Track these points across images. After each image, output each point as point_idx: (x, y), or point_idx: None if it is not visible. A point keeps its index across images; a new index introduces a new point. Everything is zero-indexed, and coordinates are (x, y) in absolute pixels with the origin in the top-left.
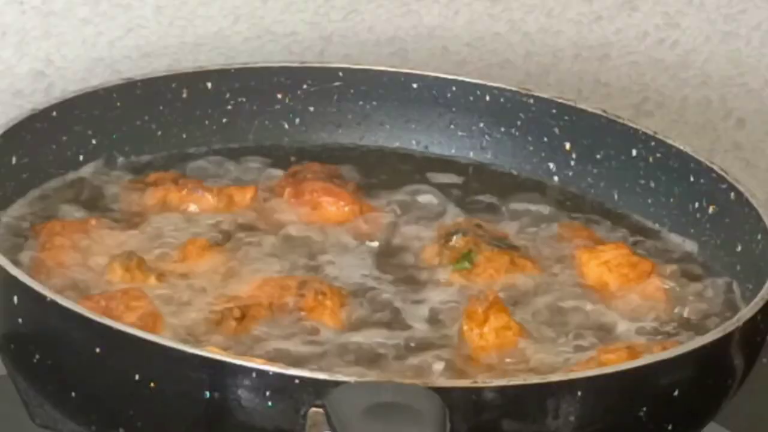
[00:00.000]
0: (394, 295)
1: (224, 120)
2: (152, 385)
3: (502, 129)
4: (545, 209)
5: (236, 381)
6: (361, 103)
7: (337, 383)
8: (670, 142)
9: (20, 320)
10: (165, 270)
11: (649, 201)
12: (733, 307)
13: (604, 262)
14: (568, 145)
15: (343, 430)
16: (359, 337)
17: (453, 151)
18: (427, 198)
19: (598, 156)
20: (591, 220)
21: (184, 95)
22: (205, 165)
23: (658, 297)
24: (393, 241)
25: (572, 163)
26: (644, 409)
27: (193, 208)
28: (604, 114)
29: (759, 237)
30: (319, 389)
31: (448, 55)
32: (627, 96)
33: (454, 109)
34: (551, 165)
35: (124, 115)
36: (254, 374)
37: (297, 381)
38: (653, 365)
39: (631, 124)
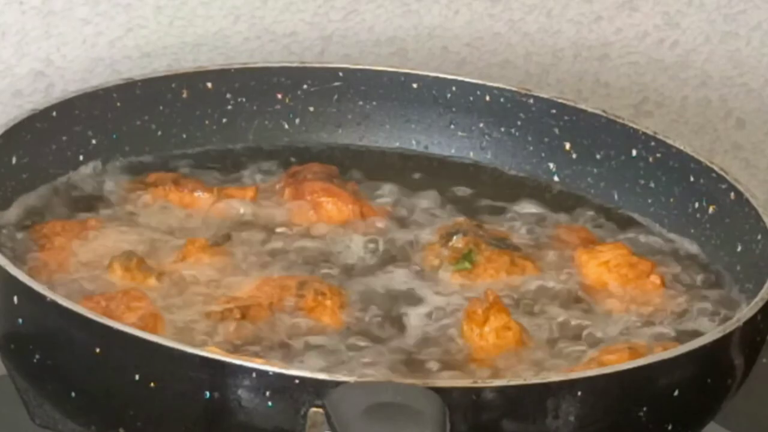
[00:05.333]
0: (394, 294)
1: (224, 120)
2: (152, 385)
3: (502, 129)
4: (545, 209)
5: (236, 381)
6: (361, 103)
7: (337, 383)
8: (670, 142)
9: (20, 320)
10: (165, 270)
11: (649, 201)
12: (733, 307)
13: (603, 263)
14: (568, 145)
15: (343, 430)
16: (359, 337)
17: (453, 151)
18: (428, 198)
19: (598, 156)
20: (591, 220)
21: (184, 95)
22: (204, 165)
23: (658, 297)
24: (393, 242)
25: (572, 163)
26: (644, 409)
27: (193, 208)
28: (604, 114)
29: (759, 237)
30: (319, 389)
31: (448, 55)
32: (627, 96)
33: (454, 109)
34: (551, 165)
35: (124, 115)
36: (254, 374)
37: (297, 381)
38: (653, 365)
39: (631, 124)
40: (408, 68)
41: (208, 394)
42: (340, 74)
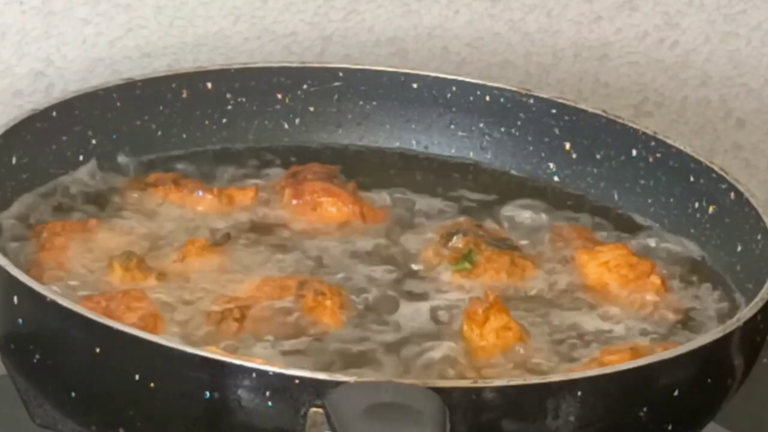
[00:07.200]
0: (395, 295)
1: (224, 120)
2: (152, 385)
3: (502, 129)
4: (545, 209)
5: (236, 381)
6: (361, 103)
7: (337, 383)
8: (670, 142)
9: (20, 320)
10: (165, 270)
11: (649, 201)
12: (733, 307)
13: (603, 263)
14: (568, 145)
15: (343, 430)
16: (359, 337)
17: (453, 151)
18: (427, 198)
19: (598, 156)
20: (591, 221)
21: (184, 95)
22: (204, 165)
23: (658, 297)
24: (393, 242)
25: (572, 163)
26: (644, 409)
27: (193, 208)
28: (604, 114)
29: (759, 237)
30: (319, 389)
31: (448, 55)
32: (627, 96)
33: (454, 109)
34: (551, 165)
35: (124, 115)
36: (254, 374)
37: (297, 381)
38: (653, 365)
39: (631, 124)
40: (408, 68)
41: (208, 394)
42: (340, 74)
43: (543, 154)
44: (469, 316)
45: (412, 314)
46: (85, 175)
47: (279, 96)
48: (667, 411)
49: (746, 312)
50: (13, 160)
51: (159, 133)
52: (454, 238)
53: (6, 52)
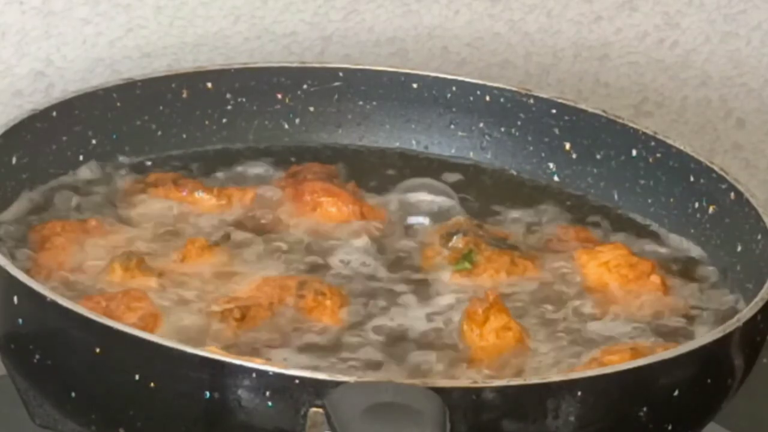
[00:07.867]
0: (394, 295)
1: (224, 120)
2: (152, 385)
3: (502, 129)
4: (545, 210)
5: (236, 381)
6: (361, 103)
7: (337, 383)
8: (670, 142)
9: (20, 320)
10: (165, 270)
11: (649, 201)
12: (733, 307)
13: (603, 263)
14: (568, 145)
15: (343, 430)
16: (359, 338)
17: (453, 151)
18: (427, 198)
19: (598, 156)
20: (591, 221)
21: (184, 95)
22: (205, 165)
23: (658, 297)
24: (393, 242)
25: (572, 163)
26: (644, 409)
27: (193, 208)
28: (604, 114)
29: (759, 237)
30: (319, 389)
31: (448, 55)
32: (627, 96)
33: (454, 109)
34: (551, 165)
35: (124, 115)
36: (254, 374)
37: (297, 381)
38: (653, 365)
39: (631, 124)
40: (408, 68)
41: (208, 394)
42: (340, 74)
43: (543, 154)
44: (469, 316)
45: (412, 314)
46: (85, 175)
47: (279, 96)
48: (667, 411)
49: (746, 312)
50: (13, 160)
51: (159, 133)
52: (454, 238)
53: (6, 52)
